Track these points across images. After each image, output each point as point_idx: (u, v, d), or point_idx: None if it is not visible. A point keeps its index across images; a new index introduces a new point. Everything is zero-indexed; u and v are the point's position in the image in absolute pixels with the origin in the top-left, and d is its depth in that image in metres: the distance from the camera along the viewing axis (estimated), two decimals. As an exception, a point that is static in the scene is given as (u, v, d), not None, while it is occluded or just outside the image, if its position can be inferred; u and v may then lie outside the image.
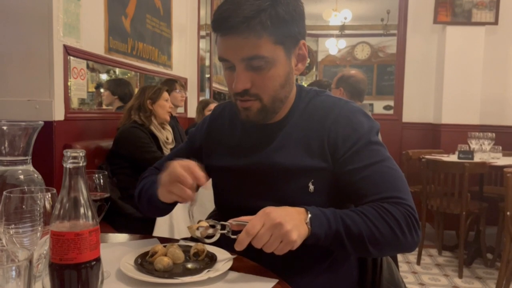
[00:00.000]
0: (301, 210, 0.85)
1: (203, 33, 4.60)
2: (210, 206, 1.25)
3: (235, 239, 0.81)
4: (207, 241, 0.87)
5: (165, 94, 2.64)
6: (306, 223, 0.83)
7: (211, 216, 1.22)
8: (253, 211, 0.96)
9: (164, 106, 2.61)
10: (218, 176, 1.12)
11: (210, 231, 0.86)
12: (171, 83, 3.25)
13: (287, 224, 0.79)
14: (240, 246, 0.80)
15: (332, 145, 0.97)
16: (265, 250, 0.80)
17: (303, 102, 1.04)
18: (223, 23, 0.91)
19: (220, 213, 1.14)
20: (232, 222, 0.84)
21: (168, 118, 2.67)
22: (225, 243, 0.89)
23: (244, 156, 1.04)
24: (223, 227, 0.86)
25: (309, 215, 0.84)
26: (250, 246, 0.81)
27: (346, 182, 0.95)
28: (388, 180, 0.92)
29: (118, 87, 3.16)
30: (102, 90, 3.31)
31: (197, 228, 0.86)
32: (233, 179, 1.06)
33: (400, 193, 0.90)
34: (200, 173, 0.91)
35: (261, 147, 1.03)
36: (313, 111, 1.02)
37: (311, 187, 0.97)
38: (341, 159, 0.95)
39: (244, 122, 1.04)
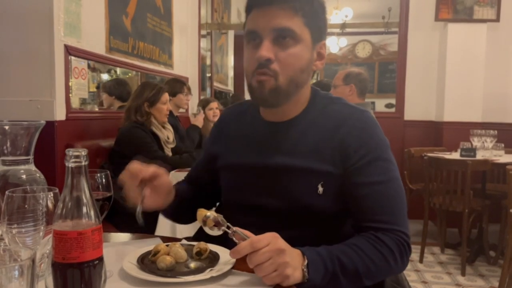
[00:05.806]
0: (299, 252, 0.84)
1: (203, 32, 4.60)
2: None
3: (235, 244, 0.81)
4: (209, 231, 0.86)
5: (164, 97, 2.59)
6: (303, 269, 0.82)
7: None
8: (260, 209, 1.00)
9: (162, 109, 2.58)
10: (226, 174, 1.12)
11: (216, 227, 0.85)
12: (180, 86, 3.22)
13: (288, 256, 0.80)
14: (237, 254, 0.80)
15: (344, 153, 0.97)
16: (256, 271, 0.79)
17: (317, 107, 1.04)
18: None
19: (226, 211, 1.14)
20: (236, 230, 0.83)
21: (165, 120, 2.65)
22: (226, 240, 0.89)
23: (253, 154, 1.04)
24: (229, 227, 0.85)
25: (306, 261, 0.83)
26: None
27: (349, 194, 0.97)
28: (388, 203, 0.95)
29: (115, 89, 3.15)
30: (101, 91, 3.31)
31: (206, 215, 0.86)
32: (241, 177, 1.07)
33: (397, 219, 0.93)
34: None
35: (270, 145, 1.03)
36: (327, 117, 1.01)
37: (320, 189, 0.97)
38: (350, 169, 0.96)
39: (257, 101, 1.02)
